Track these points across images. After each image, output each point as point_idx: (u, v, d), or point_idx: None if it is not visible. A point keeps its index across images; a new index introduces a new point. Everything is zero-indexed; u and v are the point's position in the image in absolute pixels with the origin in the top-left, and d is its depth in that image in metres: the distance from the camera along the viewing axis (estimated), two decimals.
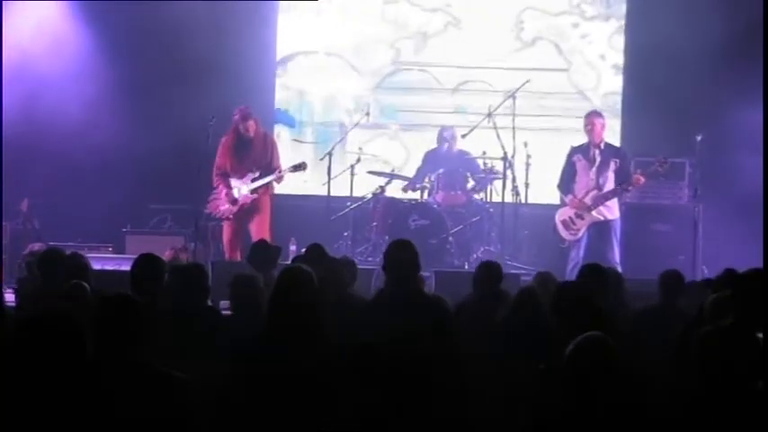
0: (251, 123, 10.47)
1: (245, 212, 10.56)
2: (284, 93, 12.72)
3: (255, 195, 10.51)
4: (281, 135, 12.41)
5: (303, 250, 10.41)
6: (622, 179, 10.48)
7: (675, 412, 4.13)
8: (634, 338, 5.85)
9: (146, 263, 6.02)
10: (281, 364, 4.48)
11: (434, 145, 11.65)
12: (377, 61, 12.63)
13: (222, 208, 10.59)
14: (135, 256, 6.37)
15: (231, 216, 10.54)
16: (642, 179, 10.35)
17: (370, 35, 12.62)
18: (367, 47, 12.62)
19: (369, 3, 12.63)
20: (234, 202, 10.50)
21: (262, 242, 8.40)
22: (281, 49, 12.67)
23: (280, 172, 10.49)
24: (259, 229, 10.43)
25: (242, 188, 10.52)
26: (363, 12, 12.61)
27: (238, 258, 10.07)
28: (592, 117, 10.64)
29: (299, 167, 10.66)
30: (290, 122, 12.74)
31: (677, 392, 4.30)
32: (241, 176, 10.53)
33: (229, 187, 10.52)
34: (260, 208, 10.57)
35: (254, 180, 10.49)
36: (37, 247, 9.24)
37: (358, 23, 12.61)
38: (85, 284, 6.09)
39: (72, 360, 3.72)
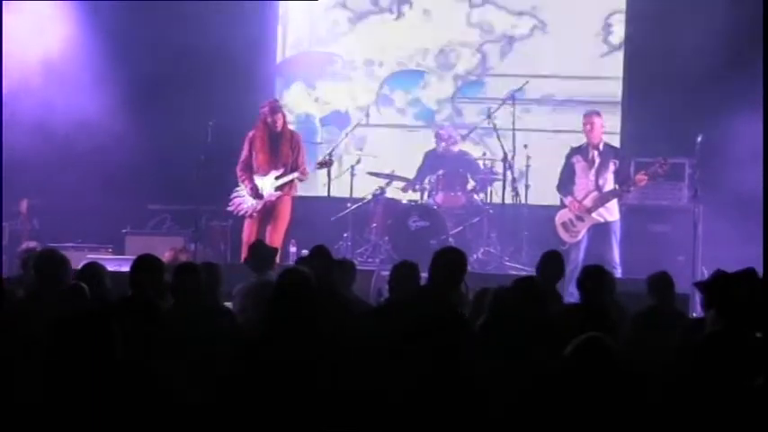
0: (279, 116, 10.45)
1: (267, 213, 10.51)
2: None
3: (280, 193, 10.47)
4: None
5: (304, 252, 10.51)
6: (622, 180, 10.48)
7: (674, 412, 4.13)
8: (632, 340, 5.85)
9: (145, 264, 6.01)
10: (280, 366, 4.48)
11: (435, 145, 11.66)
12: (461, 66, 12.57)
13: (245, 206, 10.54)
14: (134, 257, 6.37)
15: (255, 214, 10.50)
16: (645, 179, 10.34)
17: (455, 39, 12.55)
18: (451, 51, 12.56)
19: (454, 6, 12.54)
20: (258, 196, 10.43)
21: (258, 243, 8.39)
22: (363, 54, 12.67)
23: (304, 169, 10.48)
24: (274, 232, 10.38)
25: (266, 185, 10.47)
26: (448, 15, 12.52)
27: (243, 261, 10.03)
28: (591, 117, 10.63)
29: (325, 164, 10.65)
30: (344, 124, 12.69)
31: (676, 393, 4.30)
32: (265, 173, 10.47)
33: (254, 183, 10.47)
34: (281, 211, 10.47)
35: (278, 177, 10.46)
36: (33, 244, 9.24)
37: (442, 27, 12.55)
38: (84, 286, 6.08)
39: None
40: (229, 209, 10.71)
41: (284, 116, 10.57)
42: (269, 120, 10.40)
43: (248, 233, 10.49)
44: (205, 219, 11.20)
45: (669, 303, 6.64)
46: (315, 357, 4.52)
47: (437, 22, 12.54)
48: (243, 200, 10.53)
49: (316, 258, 6.90)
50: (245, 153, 10.53)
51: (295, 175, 10.41)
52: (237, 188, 10.58)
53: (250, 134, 10.52)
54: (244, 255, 10.21)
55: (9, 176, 10.34)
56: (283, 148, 10.47)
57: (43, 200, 11.56)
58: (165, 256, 9.24)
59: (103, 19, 11.87)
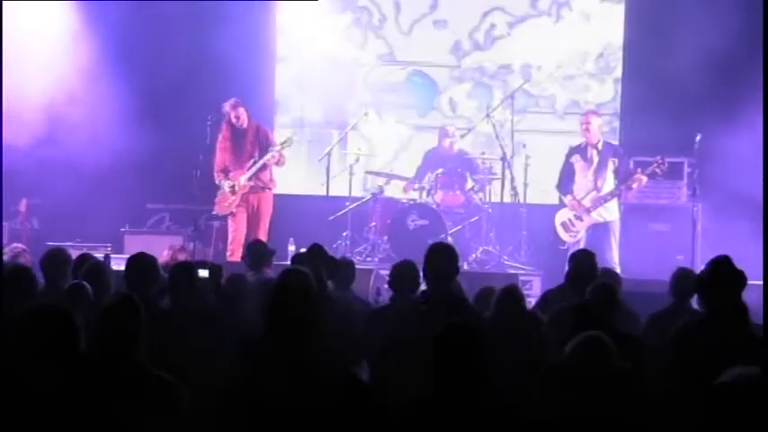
0: (241, 111, 10.55)
1: (251, 212, 10.59)
2: None
3: (252, 183, 10.53)
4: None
5: (302, 250, 10.52)
6: (621, 179, 10.49)
7: (676, 410, 4.14)
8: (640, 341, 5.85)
9: (139, 262, 5.99)
10: (279, 368, 4.47)
11: (434, 144, 11.66)
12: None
13: (225, 204, 10.61)
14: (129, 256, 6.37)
15: (234, 209, 10.57)
16: (644, 179, 10.35)
17: (616, 42, 12.39)
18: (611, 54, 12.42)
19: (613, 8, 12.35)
20: (234, 192, 10.53)
21: (256, 242, 8.41)
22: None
23: (273, 154, 10.51)
24: (258, 228, 10.51)
25: (239, 179, 10.56)
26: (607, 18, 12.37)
27: (237, 260, 10.07)
28: (588, 116, 10.63)
29: (286, 143, 10.67)
30: None
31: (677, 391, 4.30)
32: (239, 169, 10.58)
33: (230, 180, 10.56)
34: (262, 206, 10.62)
35: (249, 169, 10.53)
36: (15, 244, 9.22)
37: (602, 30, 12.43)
38: (86, 284, 6.08)
39: (65, 355, 3.74)
40: (213, 213, 10.78)
41: (247, 111, 10.62)
42: (232, 117, 10.49)
43: (233, 230, 10.61)
44: (204, 218, 11.20)
45: (687, 302, 6.63)
46: (315, 358, 4.50)
47: (596, 26, 12.39)
48: (223, 199, 10.61)
49: (312, 257, 6.90)
50: (218, 156, 10.70)
51: (263, 161, 10.48)
52: (219, 191, 10.67)
53: (220, 136, 10.70)
54: (230, 253, 10.32)
55: (9, 176, 10.32)
56: (250, 144, 10.54)
57: (42, 199, 11.55)
58: (164, 255, 9.26)
59: (104, 19, 11.84)
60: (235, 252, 10.46)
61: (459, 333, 4.02)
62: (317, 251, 6.98)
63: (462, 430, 3.87)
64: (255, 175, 10.57)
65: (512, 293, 5.75)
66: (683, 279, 6.69)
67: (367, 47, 12.57)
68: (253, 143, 10.60)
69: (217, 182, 10.69)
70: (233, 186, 10.56)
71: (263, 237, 10.30)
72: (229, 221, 10.70)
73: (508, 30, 12.44)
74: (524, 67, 12.41)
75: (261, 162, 10.50)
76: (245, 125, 10.59)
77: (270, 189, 10.73)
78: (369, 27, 12.56)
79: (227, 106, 10.58)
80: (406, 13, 12.53)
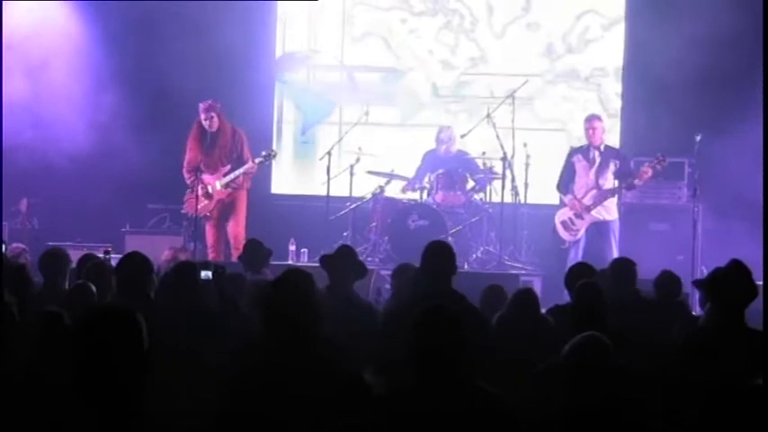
0: (212, 115, 10.54)
1: (224, 210, 10.62)
2: None
3: (229, 190, 10.57)
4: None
5: (303, 250, 10.53)
6: (623, 176, 10.51)
7: (674, 410, 4.14)
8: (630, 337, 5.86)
9: (131, 262, 5.97)
10: (279, 368, 4.47)
11: (433, 145, 11.65)
12: None
13: (199, 206, 10.62)
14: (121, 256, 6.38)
15: (208, 213, 10.60)
16: (650, 171, 10.35)
17: None
18: None
19: None
20: (208, 196, 10.55)
21: (254, 241, 8.39)
22: None
23: (252, 162, 10.57)
24: (235, 228, 10.53)
25: (215, 183, 10.58)
26: None
27: (221, 260, 10.07)
28: (592, 121, 10.67)
29: (269, 156, 10.73)
30: None
31: (676, 390, 4.31)
32: (213, 171, 10.60)
33: (202, 183, 10.57)
34: (236, 206, 10.66)
35: (225, 174, 10.55)
36: (16, 244, 9.24)
37: None
38: (91, 285, 6.09)
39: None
40: (183, 212, 10.78)
41: (220, 116, 10.61)
42: (203, 120, 10.51)
43: (210, 235, 10.67)
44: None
45: (669, 300, 6.68)
46: (315, 358, 4.50)
47: None
48: (195, 201, 10.62)
49: (339, 258, 6.81)
50: (188, 154, 10.72)
51: (242, 170, 10.50)
52: (188, 190, 10.67)
53: (190, 134, 10.68)
54: (211, 255, 10.34)
55: (9, 176, 10.33)
56: (223, 146, 10.58)
57: (43, 199, 11.55)
58: (165, 255, 9.27)
59: (106, 18, 11.87)
60: (213, 254, 10.50)
61: (437, 317, 3.90)
62: (346, 253, 6.89)
63: (445, 417, 3.79)
64: (232, 180, 10.60)
65: (527, 297, 5.75)
66: (666, 280, 6.76)
67: (458, 50, 12.49)
68: (230, 146, 10.60)
69: (188, 181, 10.71)
70: (207, 190, 10.57)
71: (242, 230, 10.35)
72: (207, 226, 10.75)
73: (602, 32, 12.37)
74: (616, 70, 12.34)
75: (240, 171, 10.50)
76: (214, 129, 10.57)
77: (244, 189, 10.75)
78: (460, 30, 12.48)
79: (200, 107, 10.59)
80: (498, 16, 12.46)
